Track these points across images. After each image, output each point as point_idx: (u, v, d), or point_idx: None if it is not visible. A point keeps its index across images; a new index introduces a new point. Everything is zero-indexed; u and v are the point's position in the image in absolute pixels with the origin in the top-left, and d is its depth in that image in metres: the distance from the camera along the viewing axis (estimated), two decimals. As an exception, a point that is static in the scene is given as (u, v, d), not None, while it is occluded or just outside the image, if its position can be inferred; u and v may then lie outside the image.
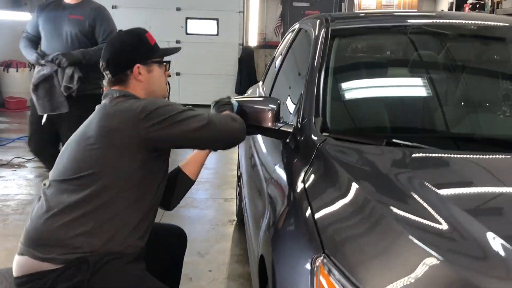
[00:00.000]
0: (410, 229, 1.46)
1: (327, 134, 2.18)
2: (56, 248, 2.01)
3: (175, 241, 2.55)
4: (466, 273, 1.30)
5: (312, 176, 1.94)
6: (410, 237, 1.40)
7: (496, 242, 1.37)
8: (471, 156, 2.02)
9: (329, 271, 1.40)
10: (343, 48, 2.76)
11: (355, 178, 1.77)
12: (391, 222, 1.50)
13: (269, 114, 2.39)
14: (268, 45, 12.73)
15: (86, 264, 2.00)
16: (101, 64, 2.24)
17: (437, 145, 2.09)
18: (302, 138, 2.24)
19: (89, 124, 2.18)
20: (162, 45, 2.36)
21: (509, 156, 2.00)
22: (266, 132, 2.44)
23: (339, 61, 2.62)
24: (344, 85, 2.60)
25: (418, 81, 2.66)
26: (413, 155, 1.99)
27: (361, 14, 3.38)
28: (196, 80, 12.38)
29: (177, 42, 12.20)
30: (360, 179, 1.78)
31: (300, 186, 1.92)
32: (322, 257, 1.45)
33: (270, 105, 2.41)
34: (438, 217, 1.48)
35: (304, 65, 2.68)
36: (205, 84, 12.20)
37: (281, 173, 2.25)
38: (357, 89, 2.66)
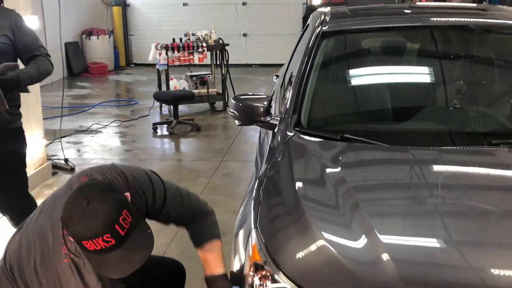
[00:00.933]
0: (314, 213, 2.05)
1: (298, 129, 2.76)
2: None
3: (173, 276, 2.57)
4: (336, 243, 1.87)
5: (275, 163, 2.54)
6: (311, 218, 1.99)
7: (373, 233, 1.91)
8: (412, 151, 2.51)
9: (257, 243, 2.02)
10: (330, 50, 3.26)
11: (297, 168, 2.37)
12: (303, 206, 2.08)
13: (261, 110, 3.00)
14: (331, 3, 12.97)
15: None
16: None
17: (389, 141, 2.58)
18: (281, 130, 2.84)
19: None
20: None
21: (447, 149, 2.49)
22: (259, 123, 3.05)
23: (324, 63, 3.15)
24: (322, 87, 3.12)
25: (385, 83, 3.14)
26: (353, 150, 2.53)
27: (361, 11, 3.75)
28: (262, 40, 12.95)
29: (243, 4, 12.85)
30: (300, 169, 2.38)
31: (265, 169, 2.53)
32: (254, 231, 2.07)
33: (262, 103, 3.02)
34: (339, 205, 2.06)
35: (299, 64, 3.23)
36: (270, 44, 12.75)
37: (264, 156, 2.86)
38: (333, 90, 3.17)
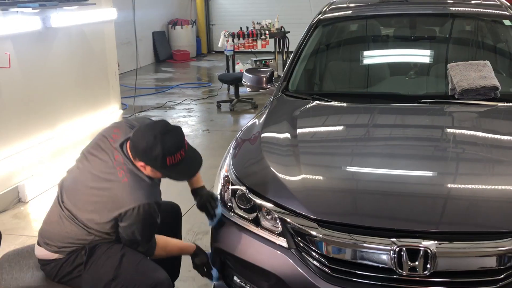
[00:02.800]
0: (268, 150, 2.90)
1: (284, 92, 3.68)
2: (63, 246, 2.61)
3: (170, 216, 3.03)
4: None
5: (258, 115, 3.46)
6: (264, 154, 2.84)
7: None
8: (363, 105, 3.38)
9: (228, 164, 2.93)
10: (322, 34, 4.12)
11: (268, 117, 3.28)
12: (262, 145, 2.95)
13: (264, 79, 3.94)
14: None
15: (84, 251, 2.60)
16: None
17: (352, 101, 3.44)
18: (273, 93, 3.76)
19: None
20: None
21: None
22: (262, 89, 3.97)
23: (315, 44, 4.02)
24: (310, 62, 3.96)
25: (360, 57, 3.98)
26: (318, 105, 3.41)
27: (358, 3, 4.52)
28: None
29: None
30: (271, 118, 3.28)
31: (257, 119, 3.43)
32: (229, 156, 3.00)
33: (266, 74, 3.95)
34: (285, 144, 2.93)
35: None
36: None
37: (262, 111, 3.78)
38: (318, 65, 4.00)
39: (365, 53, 4.03)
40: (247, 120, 7.95)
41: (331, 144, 3.06)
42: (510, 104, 3.26)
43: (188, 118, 8.09)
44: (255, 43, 9.35)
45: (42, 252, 2.65)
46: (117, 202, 2.49)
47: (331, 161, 2.87)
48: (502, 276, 2.23)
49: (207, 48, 15.00)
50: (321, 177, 2.71)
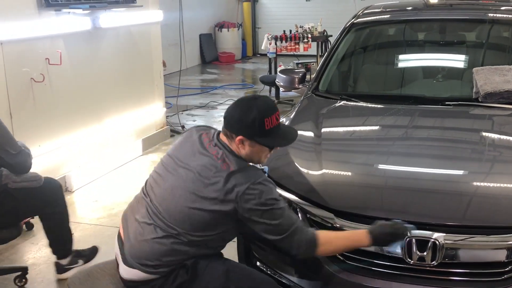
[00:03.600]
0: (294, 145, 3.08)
1: (314, 92, 3.85)
2: (162, 265, 2.36)
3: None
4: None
5: (293, 113, 3.64)
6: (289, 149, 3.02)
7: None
8: (388, 106, 3.51)
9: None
10: (356, 37, 4.26)
11: (297, 115, 3.46)
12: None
13: (296, 79, 4.12)
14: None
15: (185, 268, 2.39)
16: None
17: (378, 102, 3.59)
18: (304, 93, 3.93)
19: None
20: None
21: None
22: (295, 89, 4.15)
23: (347, 47, 4.18)
24: (340, 64, 4.12)
25: (389, 61, 4.11)
26: (347, 105, 3.56)
27: (391, 9, 4.62)
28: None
29: (360, -1, 13.62)
30: (299, 115, 3.46)
31: (286, 116, 3.62)
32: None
33: (298, 75, 4.13)
34: (310, 141, 3.10)
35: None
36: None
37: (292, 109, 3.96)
38: (348, 68, 4.16)
39: (394, 56, 4.16)
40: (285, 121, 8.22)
41: (352, 142, 3.22)
42: (534, 108, 3.33)
43: (229, 118, 8.32)
44: (297, 46, 9.52)
45: (135, 275, 2.40)
46: (230, 188, 2.29)
47: (351, 158, 3.03)
48: (508, 268, 2.34)
49: (252, 50, 15.27)
50: (340, 173, 2.87)
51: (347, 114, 3.57)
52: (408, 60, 4.17)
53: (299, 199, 2.69)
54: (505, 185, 2.61)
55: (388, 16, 4.33)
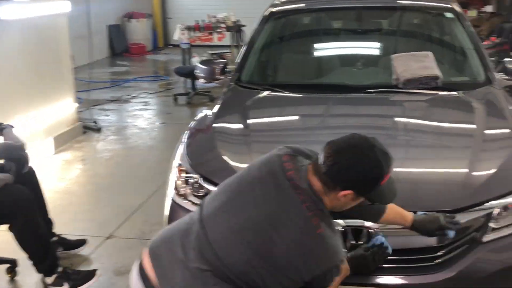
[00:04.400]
0: (220, 138, 3.00)
1: (237, 83, 3.77)
2: None
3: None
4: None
5: (217, 105, 3.55)
6: (217, 142, 2.94)
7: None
8: (312, 95, 3.50)
9: (182, 153, 3.01)
10: (275, 26, 4.21)
11: (222, 107, 3.38)
12: (215, 133, 3.06)
13: (218, 69, 4.02)
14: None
15: None
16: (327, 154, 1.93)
17: (302, 92, 3.57)
18: (227, 84, 3.85)
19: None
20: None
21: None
22: (216, 80, 4.06)
23: (267, 36, 4.12)
24: (262, 55, 4.06)
25: (310, 49, 4.12)
26: (265, 96, 3.51)
27: None
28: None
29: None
30: (224, 107, 3.38)
31: (210, 109, 3.51)
32: (182, 145, 3.07)
33: (219, 65, 4.04)
34: (237, 133, 3.02)
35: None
36: None
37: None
38: (269, 58, 4.12)
39: (314, 45, 4.16)
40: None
41: (281, 133, 3.18)
42: (450, 92, 3.43)
43: (144, 111, 8.09)
44: (211, 36, 9.42)
45: None
46: (311, 260, 1.89)
47: None
48: (443, 252, 2.38)
49: (164, 41, 14.95)
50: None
51: (272, 104, 3.53)
52: (329, 49, 4.19)
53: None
54: (436, 170, 2.66)
55: (305, 4, 4.32)
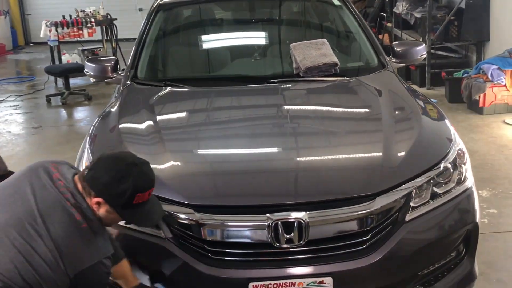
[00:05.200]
0: (129, 139, 2.84)
1: (133, 80, 3.58)
2: None
3: None
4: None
5: (112, 104, 3.35)
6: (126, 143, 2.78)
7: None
8: (216, 89, 3.41)
9: (87, 157, 2.80)
10: (165, 19, 4.06)
11: (123, 106, 3.19)
12: (121, 134, 2.88)
13: (109, 67, 3.79)
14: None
15: None
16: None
17: (205, 85, 3.46)
18: (122, 82, 3.64)
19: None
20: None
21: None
22: (108, 78, 3.82)
23: (158, 30, 3.96)
24: (155, 48, 3.90)
25: (206, 42, 4.04)
26: (169, 92, 3.38)
27: None
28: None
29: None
30: (127, 107, 3.20)
31: (110, 110, 3.29)
32: (86, 149, 2.86)
33: (110, 63, 3.80)
34: (145, 132, 2.87)
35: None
36: None
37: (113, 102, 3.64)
38: (163, 51, 3.95)
39: (209, 37, 4.08)
40: (83, 113, 7.71)
41: (193, 129, 3.07)
42: (349, 78, 3.50)
43: (16, 116, 7.50)
44: (81, 32, 8.92)
45: None
46: (74, 255, 2.03)
47: (197, 146, 2.89)
48: (369, 236, 2.42)
49: (24, 39, 13.99)
50: (190, 162, 2.72)
51: (177, 100, 3.39)
52: (225, 40, 4.09)
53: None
54: (349, 156, 2.71)
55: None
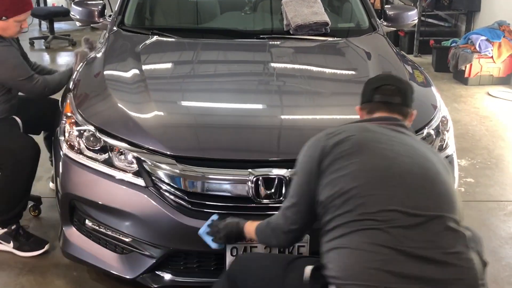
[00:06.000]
0: (115, 87, 2.80)
1: (120, 27, 3.51)
2: None
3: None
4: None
5: (98, 49, 3.30)
6: (111, 91, 2.74)
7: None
8: (205, 41, 3.37)
9: (70, 102, 2.77)
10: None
11: (110, 52, 3.14)
12: (107, 82, 2.83)
13: (96, 12, 3.71)
14: None
15: None
16: None
17: (193, 37, 3.41)
18: (109, 28, 3.57)
19: None
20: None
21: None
22: (95, 23, 3.75)
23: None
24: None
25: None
26: (156, 41, 3.32)
27: None
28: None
29: None
30: (113, 54, 3.15)
31: (96, 55, 3.24)
32: (69, 94, 2.82)
33: (97, 7, 3.72)
34: (132, 81, 2.84)
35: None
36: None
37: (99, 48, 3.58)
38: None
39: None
40: (66, 59, 7.56)
41: (180, 80, 3.04)
42: (338, 39, 3.48)
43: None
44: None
45: None
46: None
47: (183, 97, 2.88)
48: None
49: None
50: (175, 114, 2.70)
51: (165, 50, 3.35)
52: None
53: (131, 147, 2.46)
54: (330, 116, 2.72)
55: None
